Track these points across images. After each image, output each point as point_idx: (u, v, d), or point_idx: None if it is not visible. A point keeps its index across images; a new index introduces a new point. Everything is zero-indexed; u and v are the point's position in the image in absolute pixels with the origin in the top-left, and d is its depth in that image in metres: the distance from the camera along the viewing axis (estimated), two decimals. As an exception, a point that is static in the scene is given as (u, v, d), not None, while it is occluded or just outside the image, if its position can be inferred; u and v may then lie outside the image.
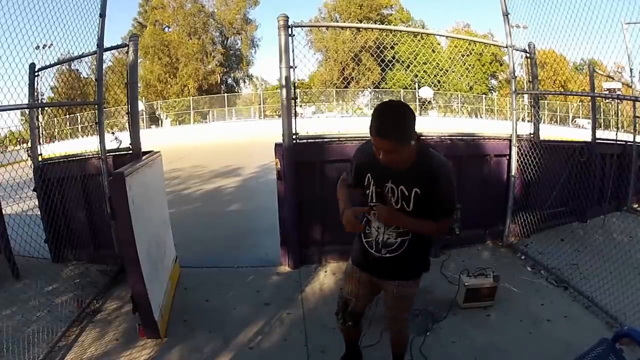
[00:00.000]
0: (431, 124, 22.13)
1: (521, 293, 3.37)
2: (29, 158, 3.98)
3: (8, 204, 3.97)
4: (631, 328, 1.58)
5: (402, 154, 1.69)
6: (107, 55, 3.91)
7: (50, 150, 4.24)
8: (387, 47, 4.39)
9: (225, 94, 30.51)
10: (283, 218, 3.95)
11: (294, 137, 3.78)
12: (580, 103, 22.76)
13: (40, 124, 4.20)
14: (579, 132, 16.82)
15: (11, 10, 2.94)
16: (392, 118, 1.65)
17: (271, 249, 4.27)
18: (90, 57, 3.91)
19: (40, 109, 4.38)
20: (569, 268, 3.64)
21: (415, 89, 28.00)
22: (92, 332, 2.95)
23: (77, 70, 4.52)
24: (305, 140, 3.85)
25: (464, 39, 5.40)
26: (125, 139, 4.01)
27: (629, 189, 5.36)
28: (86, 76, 4.38)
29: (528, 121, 4.58)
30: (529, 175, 4.35)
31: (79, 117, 18.72)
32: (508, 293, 3.33)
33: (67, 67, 4.35)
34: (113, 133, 17.94)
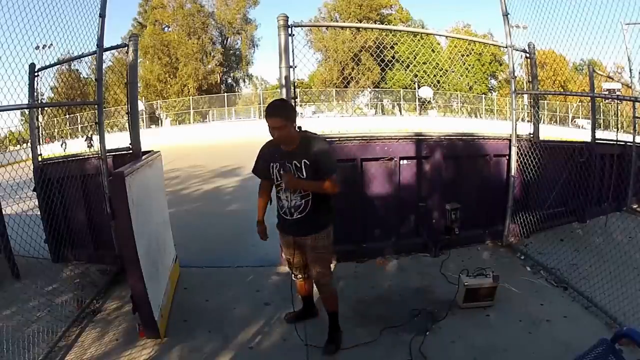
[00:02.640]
0: (431, 124, 22.20)
1: (521, 293, 3.37)
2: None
3: (8, 204, 3.97)
4: (630, 328, 1.59)
5: (289, 131, 2.37)
6: (107, 55, 3.91)
7: (50, 150, 4.24)
8: (387, 47, 4.39)
9: (225, 94, 30.49)
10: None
11: (294, 137, 3.78)
12: (580, 103, 22.76)
13: (40, 124, 4.20)
14: (579, 132, 16.82)
15: (11, 11, 2.94)
16: (274, 104, 2.47)
17: (271, 248, 4.23)
18: (90, 57, 3.91)
19: (40, 109, 4.38)
20: (568, 268, 3.64)
21: (415, 88, 28.01)
22: (92, 332, 2.95)
23: (77, 70, 4.52)
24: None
25: (463, 39, 5.40)
26: (121, 140, 4.00)
27: (629, 189, 5.37)
28: (86, 76, 4.38)
29: (528, 121, 4.58)
30: (529, 175, 4.35)
31: (78, 117, 18.70)
32: (507, 293, 3.33)
33: (67, 67, 4.35)
34: (89, 137, 18.06)
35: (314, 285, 2.76)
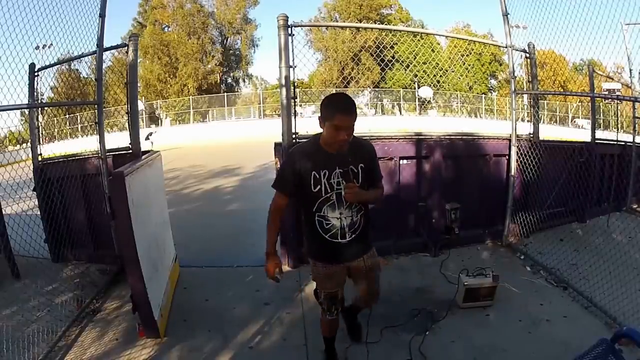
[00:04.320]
0: (431, 124, 22.20)
1: (520, 293, 3.37)
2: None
3: (8, 204, 3.97)
4: (630, 328, 1.58)
5: (353, 131, 1.94)
6: (106, 55, 3.92)
7: (50, 150, 4.24)
8: (387, 47, 4.39)
9: (225, 94, 30.49)
10: (283, 217, 3.94)
11: (294, 136, 3.79)
12: (580, 103, 22.74)
13: (40, 124, 4.20)
14: (579, 132, 16.81)
15: (11, 11, 2.94)
16: (349, 98, 1.95)
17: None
18: (90, 57, 3.91)
19: (40, 109, 4.37)
20: (568, 268, 3.64)
21: (414, 88, 27.99)
22: (92, 331, 2.95)
23: (77, 70, 4.52)
24: (305, 140, 3.84)
25: (463, 39, 5.40)
26: (119, 140, 4.01)
27: (629, 189, 5.36)
28: (86, 76, 4.38)
29: (528, 121, 4.58)
30: (529, 175, 4.35)
31: (78, 116, 18.69)
32: (507, 293, 3.33)
33: (67, 67, 4.35)
34: (150, 133, 18.60)
35: (370, 301, 2.40)
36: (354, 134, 2.03)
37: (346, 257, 2.13)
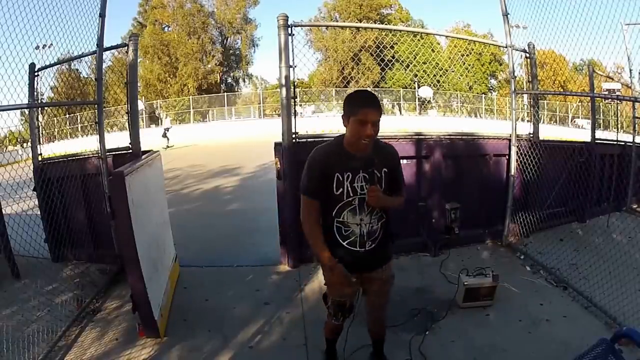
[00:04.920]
0: (431, 124, 22.19)
1: (520, 293, 3.37)
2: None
3: (8, 204, 3.97)
4: (630, 328, 1.59)
5: (379, 128, 1.83)
6: (107, 55, 3.92)
7: (50, 150, 4.24)
8: (387, 47, 4.39)
9: (225, 94, 30.48)
10: (283, 217, 3.95)
11: (294, 136, 3.78)
12: (580, 103, 22.75)
13: (40, 124, 4.20)
14: (579, 132, 16.81)
15: (11, 11, 2.94)
16: (370, 93, 1.87)
17: (271, 248, 4.27)
18: (90, 56, 3.91)
19: (40, 108, 4.37)
20: (568, 268, 3.64)
21: (414, 88, 27.99)
22: (91, 331, 2.95)
23: (77, 70, 4.52)
24: (305, 140, 3.85)
25: (463, 39, 5.40)
26: (121, 140, 4.01)
27: (628, 189, 5.36)
28: (86, 76, 4.38)
29: (527, 121, 4.59)
30: (529, 175, 4.35)
31: (78, 116, 18.70)
32: (507, 293, 3.33)
33: (67, 67, 4.35)
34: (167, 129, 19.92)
35: (378, 320, 2.35)
36: (379, 138, 1.96)
37: (363, 267, 2.03)
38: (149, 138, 12.27)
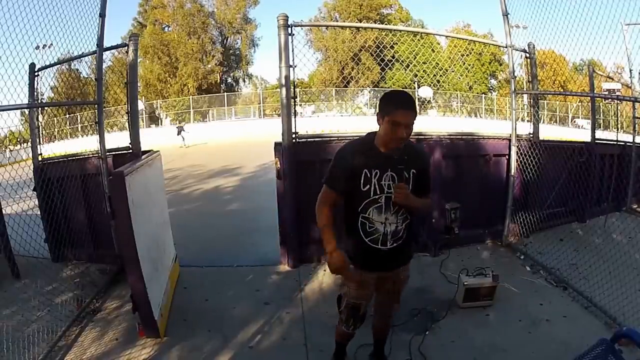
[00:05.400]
0: (431, 124, 22.19)
1: (520, 293, 3.37)
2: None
3: (8, 203, 3.97)
4: (630, 329, 1.59)
5: (412, 130, 1.83)
6: (107, 55, 3.92)
7: (50, 150, 4.24)
8: (387, 47, 4.39)
9: (225, 94, 30.49)
10: (283, 217, 3.95)
11: (294, 136, 3.78)
12: (580, 103, 22.74)
13: (40, 124, 4.20)
14: (579, 132, 16.81)
15: (11, 11, 2.94)
16: (407, 95, 1.88)
17: (271, 248, 4.27)
18: (90, 56, 3.91)
19: (40, 108, 4.37)
20: (568, 268, 3.64)
21: (414, 88, 27.99)
22: (91, 331, 2.95)
23: (77, 70, 4.52)
24: (305, 140, 3.85)
25: (463, 39, 5.40)
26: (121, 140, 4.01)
27: (629, 189, 5.36)
28: (86, 76, 4.38)
29: (527, 121, 4.59)
30: (529, 175, 4.35)
31: (78, 116, 18.70)
32: (507, 293, 3.33)
33: (67, 66, 4.35)
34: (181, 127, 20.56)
35: (385, 318, 2.34)
36: (411, 140, 1.98)
37: (383, 265, 2.01)
38: (149, 137, 12.25)
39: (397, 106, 1.79)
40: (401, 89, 2.27)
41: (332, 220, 1.97)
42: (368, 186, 1.90)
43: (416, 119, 1.81)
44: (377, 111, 1.87)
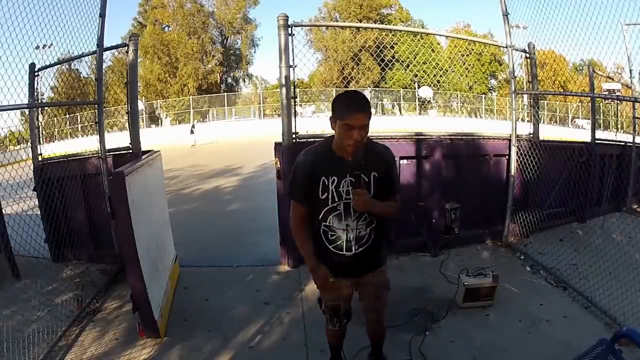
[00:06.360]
0: (431, 124, 22.21)
1: (520, 293, 3.37)
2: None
3: (8, 203, 3.97)
4: (630, 329, 1.59)
5: (367, 132, 1.76)
6: (107, 55, 3.92)
7: (50, 150, 4.24)
8: (387, 47, 4.39)
9: (225, 94, 30.52)
10: (283, 217, 3.95)
11: (294, 136, 3.78)
12: (580, 103, 22.75)
13: (40, 124, 4.20)
14: (579, 132, 16.81)
15: (11, 11, 2.94)
16: (361, 95, 1.79)
17: (271, 248, 4.27)
18: (90, 56, 3.91)
19: (40, 108, 4.37)
20: (568, 268, 3.64)
21: (414, 88, 28.00)
22: (92, 331, 2.95)
23: (77, 70, 4.52)
24: (305, 140, 3.85)
25: (463, 39, 5.40)
26: (121, 140, 4.01)
27: (629, 190, 5.37)
28: (86, 76, 4.38)
29: (527, 121, 4.59)
30: (529, 175, 4.35)
31: (78, 116, 18.71)
32: (507, 293, 3.33)
33: (67, 66, 4.35)
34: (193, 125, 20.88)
35: (375, 323, 2.30)
36: (373, 139, 1.92)
37: (351, 271, 1.99)
38: (150, 137, 12.25)
39: (349, 108, 1.70)
40: (354, 90, 2.20)
41: (310, 235, 1.96)
42: (326, 194, 1.84)
43: (371, 119, 1.73)
44: (330, 116, 1.79)
